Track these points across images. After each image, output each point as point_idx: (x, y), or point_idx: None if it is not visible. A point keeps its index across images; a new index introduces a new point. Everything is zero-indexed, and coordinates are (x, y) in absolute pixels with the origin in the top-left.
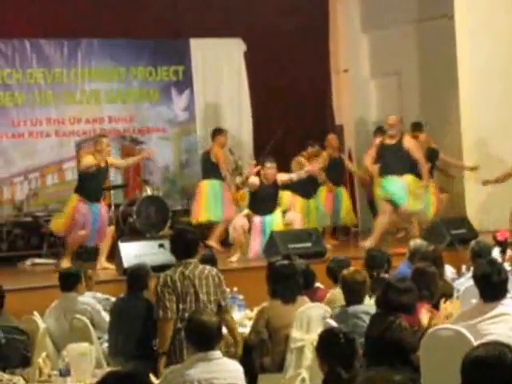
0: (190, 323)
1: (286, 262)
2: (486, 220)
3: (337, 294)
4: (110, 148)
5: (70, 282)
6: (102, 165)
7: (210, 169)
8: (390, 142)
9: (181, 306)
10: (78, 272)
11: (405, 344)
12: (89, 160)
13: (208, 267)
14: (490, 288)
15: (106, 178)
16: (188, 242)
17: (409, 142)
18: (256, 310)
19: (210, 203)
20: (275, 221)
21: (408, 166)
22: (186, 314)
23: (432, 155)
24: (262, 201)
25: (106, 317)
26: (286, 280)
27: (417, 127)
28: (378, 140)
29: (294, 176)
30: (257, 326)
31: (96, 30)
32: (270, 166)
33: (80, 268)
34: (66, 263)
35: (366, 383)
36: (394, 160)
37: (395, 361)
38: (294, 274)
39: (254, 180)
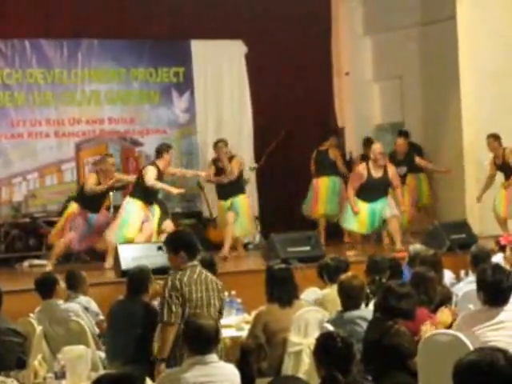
0: (188, 326)
1: (283, 265)
2: (488, 225)
3: (328, 295)
4: (115, 168)
5: (46, 288)
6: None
7: (328, 166)
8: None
9: (187, 311)
10: (52, 277)
11: (403, 349)
12: (93, 181)
13: (209, 274)
14: (500, 294)
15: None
16: (191, 243)
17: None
18: (253, 313)
19: (328, 198)
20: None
21: None
22: None
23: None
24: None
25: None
26: (283, 283)
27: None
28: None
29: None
30: (254, 331)
31: (96, 31)
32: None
33: (53, 273)
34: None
35: None
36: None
37: (392, 366)
38: (291, 277)
39: None
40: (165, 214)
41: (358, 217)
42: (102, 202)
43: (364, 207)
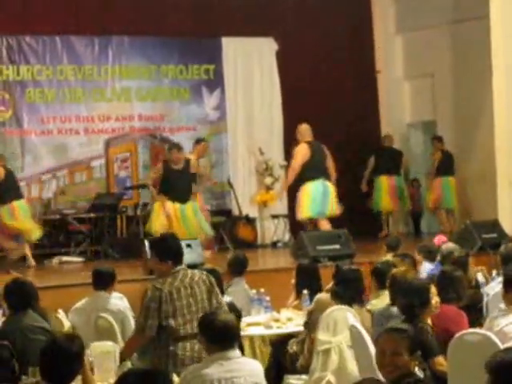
0: (213, 323)
1: (353, 266)
2: None
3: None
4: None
5: (104, 280)
6: None
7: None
8: None
9: (172, 322)
10: (114, 271)
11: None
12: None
13: (197, 272)
14: None
15: None
16: (175, 248)
17: None
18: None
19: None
20: None
21: None
22: (189, 327)
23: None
24: None
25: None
26: (353, 283)
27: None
28: None
29: None
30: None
31: (127, 28)
32: None
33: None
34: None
35: None
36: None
37: None
38: (361, 278)
39: None
40: None
41: None
42: None
43: None
